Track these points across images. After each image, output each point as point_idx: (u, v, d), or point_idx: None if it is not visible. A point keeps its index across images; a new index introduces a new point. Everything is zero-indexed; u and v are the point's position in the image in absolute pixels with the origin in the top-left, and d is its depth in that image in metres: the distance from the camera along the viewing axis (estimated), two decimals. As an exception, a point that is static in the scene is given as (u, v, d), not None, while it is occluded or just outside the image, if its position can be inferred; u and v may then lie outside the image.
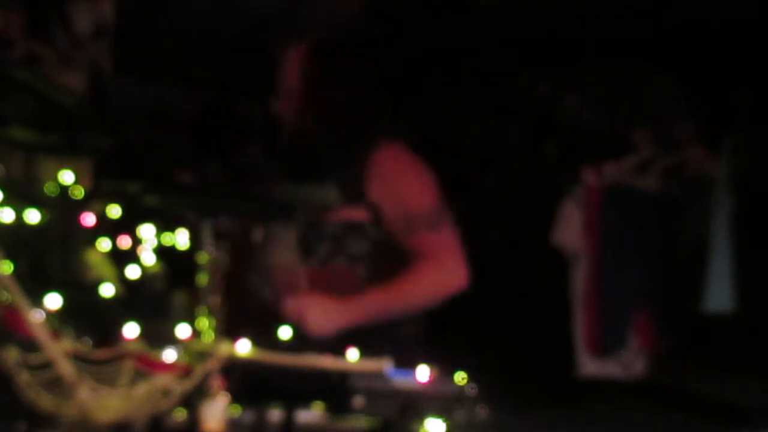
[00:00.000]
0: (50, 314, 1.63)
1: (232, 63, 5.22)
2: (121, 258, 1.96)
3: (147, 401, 1.57)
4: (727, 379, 4.29)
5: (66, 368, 1.55)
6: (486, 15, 4.58)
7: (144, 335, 1.65)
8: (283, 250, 2.21)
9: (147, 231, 2.02)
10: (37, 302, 1.62)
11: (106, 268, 1.90)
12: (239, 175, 5.14)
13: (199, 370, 1.59)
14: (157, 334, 1.67)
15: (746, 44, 4.26)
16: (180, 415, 1.62)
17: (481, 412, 1.71)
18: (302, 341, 1.96)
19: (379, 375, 1.68)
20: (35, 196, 1.83)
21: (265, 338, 1.75)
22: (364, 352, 1.72)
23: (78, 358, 1.57)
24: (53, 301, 1.65)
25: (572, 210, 4.73)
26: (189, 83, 5.56)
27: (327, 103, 2.22)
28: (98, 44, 3.22)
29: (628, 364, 4.66)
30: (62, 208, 1.85)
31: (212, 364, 1.60)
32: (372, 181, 2.18)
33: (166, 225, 2.04)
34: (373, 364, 1.68)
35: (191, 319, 1.78)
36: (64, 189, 1.87)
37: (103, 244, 1.93)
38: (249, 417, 1.65)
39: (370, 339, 2.00)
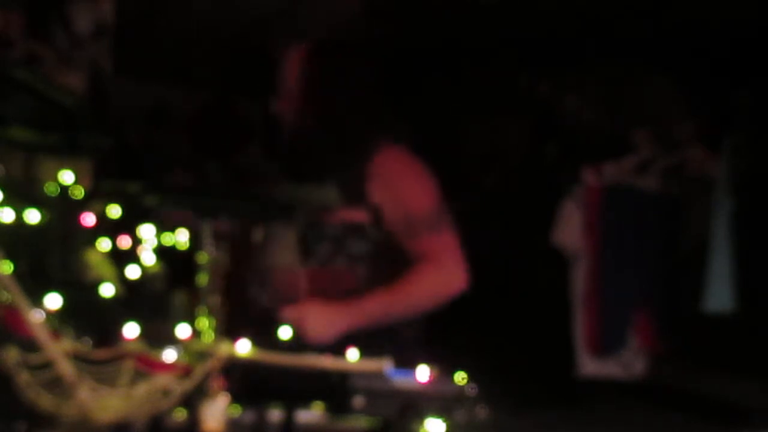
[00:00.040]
0: (50, 314, 1.63)
1: (232, 63, 5.22)
2: (121, 258, 1.96)
3: (147, 401, 1.57)
4: (727, 379, 4.29)
5: (66, 368, 1.55)
6: (486, 15, 4.57)
7: (144, 335, 1.65)
8: (283, 251, 2.21)
9: (147, 231, 2.02)
10: (37, 302, 1.62)
11: (106, 268, 1.91)
12: (239, 175, 5.14)
13: (199, 370, 1.59)
14: (157, 334, 1.67)
15: (746, 44, 4.26)
16: (180, 415, 1.62)
17: (481, 412, 1.71)
18: (302, 341, 1.97)
19: (379, 375, 1.68)
20: (35, 196, 1.83)
21: (265, 338, 1.75)
22: (364, 352, 1.72)
23: (78, 358, 1.57)
24: (53, 301, 1.65)
25: (572, 210, 4.73)
26: (189, 83, 5.56)
27: (327, 103, 2.22)
28: (98, 44, 3.22)
29: (628, 364, 4.66)
30: (62, 208, 1.86)
31: (212, 364, 1.60)
32: (372, 181, 2.17)
33: (165, 225, 2.04)
34: (373, 364, 1.68)
35: (191, 319, 1.78)
36: (64, 189, 1.87)
37: (103, 244, 1.94)
38: (249, 417, 1.65)
39: (370, 339, 2.00)
